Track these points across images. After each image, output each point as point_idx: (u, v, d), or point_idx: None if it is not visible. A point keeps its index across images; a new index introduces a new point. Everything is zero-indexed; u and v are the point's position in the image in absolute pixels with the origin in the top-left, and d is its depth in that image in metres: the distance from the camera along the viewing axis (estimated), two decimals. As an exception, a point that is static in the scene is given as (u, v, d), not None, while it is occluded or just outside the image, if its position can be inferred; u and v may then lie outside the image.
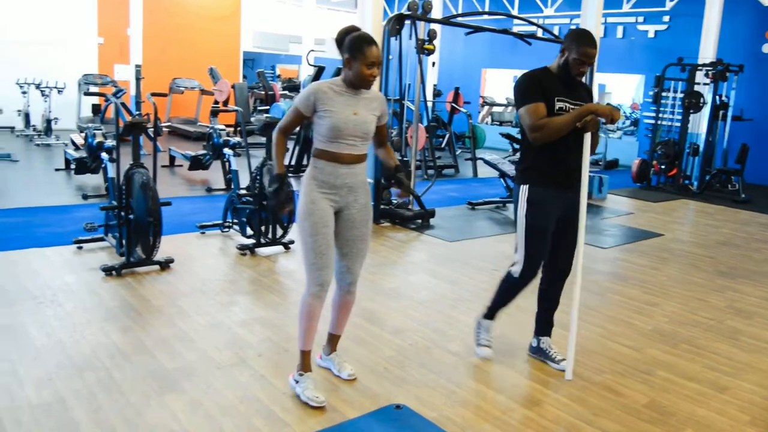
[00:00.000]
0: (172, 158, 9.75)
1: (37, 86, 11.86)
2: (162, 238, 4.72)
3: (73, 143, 8.77)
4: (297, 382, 2.97)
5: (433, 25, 6.85)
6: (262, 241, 5.42)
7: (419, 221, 6.84)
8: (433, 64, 14.73)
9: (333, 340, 3.22)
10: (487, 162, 8.43)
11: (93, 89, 11.61)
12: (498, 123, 17.19)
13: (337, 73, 7.67)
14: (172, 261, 4.86)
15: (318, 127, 2.80)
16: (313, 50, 14.47)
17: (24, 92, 12.02)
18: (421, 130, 8.17)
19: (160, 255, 4.78)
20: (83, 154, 7.77)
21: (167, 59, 14.44)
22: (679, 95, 10.53)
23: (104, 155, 6.74)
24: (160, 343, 3.50)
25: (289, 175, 5.62)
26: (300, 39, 16.21)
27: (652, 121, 10.89)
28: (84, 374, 3.09)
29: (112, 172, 5.88)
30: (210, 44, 15.61)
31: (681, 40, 11.98)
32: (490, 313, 3.50)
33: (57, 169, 8.92)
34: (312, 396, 2.89)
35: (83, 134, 8.08)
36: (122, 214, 4.75)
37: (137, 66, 11.97)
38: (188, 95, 14.48)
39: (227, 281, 4.67)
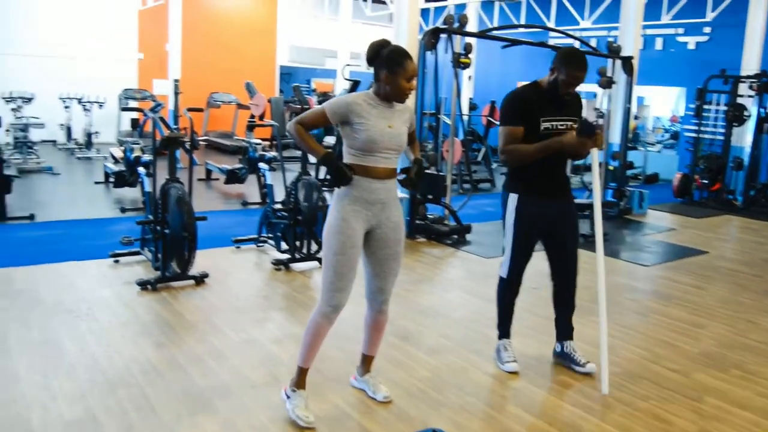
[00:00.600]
0: (208, 172, 9.83)
1: (79, 101, 12.14)
2: (197, 253, 4.72)
3: (113, 157, 8.94)
4: (288, 397, 2.90)
5: (469, 39, 6.78)
6: (297, 256, 5.39)
7: (455, 237, 6.74)
8: (470, 77, 14.63)
9: (367, 361, 3.15)
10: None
11: (132, 104, 11.83)
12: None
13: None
14: (206, 276, 4.85)
15: (351, 140, 2.73)
16: (348, 64, 14.55)
17: (66, 106, 12.30)
18: (457, 144, 8.08)
19: (195, 270, 4.78)
20: (122, 167, 7.88)
21: (205, 74, 14.68)
22: (722, 108, 10.24)
23: (141, 169, 6.82)
24: (193, 359, 3.47)
25: (324, 188, 5.57)
26: (335, 53, 16.33)
27: (694, 135, 10.61)
28: (117, 391, 3.07)
29: (148, 187, 5.93)
30: (246, 59, 15.81)
31: (723, 52, 11.65)
32: (502, 330, 3.61)
33: (96, 183, 9.07)
34: (302, 415, 2.81)
35: (122, 148, 8.21)
36: (158, 228, 4.77)
37: (176, 81, 12.16)
38: (225, 109, 14.69)
39: (261, 297, 4.64)
